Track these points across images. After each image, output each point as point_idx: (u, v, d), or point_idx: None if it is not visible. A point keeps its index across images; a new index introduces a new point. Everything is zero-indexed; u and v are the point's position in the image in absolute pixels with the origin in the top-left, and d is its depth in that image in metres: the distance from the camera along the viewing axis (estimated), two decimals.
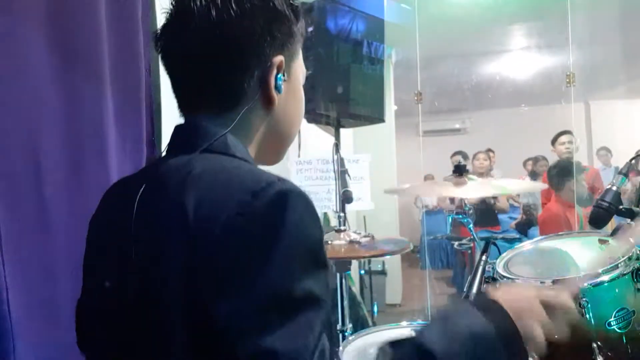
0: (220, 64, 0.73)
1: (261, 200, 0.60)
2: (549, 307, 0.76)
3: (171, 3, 0.76)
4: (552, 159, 4.44)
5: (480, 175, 4.52)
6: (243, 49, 0.72)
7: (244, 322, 0.57)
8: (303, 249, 0.60)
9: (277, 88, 0.76)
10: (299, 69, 0.82)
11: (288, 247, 0.59)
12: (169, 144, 0.78)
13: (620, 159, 5.75)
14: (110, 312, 0.72)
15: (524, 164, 6.08)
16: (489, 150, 5.36)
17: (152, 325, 0.64)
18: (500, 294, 0.75)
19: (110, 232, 0.76)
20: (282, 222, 0.60)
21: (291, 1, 0.77)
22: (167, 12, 0.76)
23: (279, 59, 0.75)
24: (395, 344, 0.69)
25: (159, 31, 0.77)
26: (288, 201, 0.61)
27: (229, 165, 0.69)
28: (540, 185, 2.94)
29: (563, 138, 4.16)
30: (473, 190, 1.52)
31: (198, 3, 0.72)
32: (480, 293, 0.76)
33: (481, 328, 0.69)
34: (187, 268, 0.61)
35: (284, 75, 0.76)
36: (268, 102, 0.76)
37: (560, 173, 3.56)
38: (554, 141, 4.24)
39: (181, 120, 0.80)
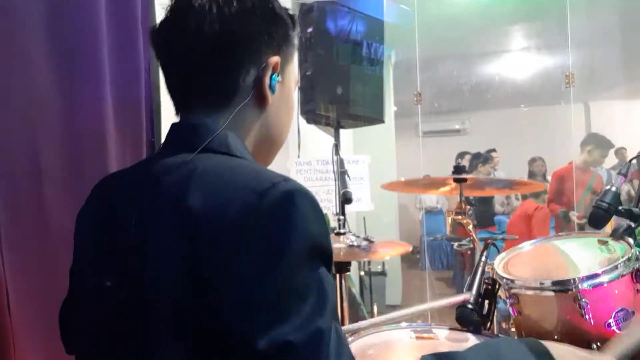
0: (217, 58, 0.74)
1: (267, 201, 0.61)
2: None
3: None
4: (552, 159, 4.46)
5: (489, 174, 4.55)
6: (240, 45, 0.74)
7: (257, 320, 0.58)
8: (310, 246, 0.62)
9: (271, 87, 0.77)
10: (292, 76, 0.83)
11: (296, 246, 0.60)
12: (165, 142, 0.78)
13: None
14: (104, 311, 0.71)
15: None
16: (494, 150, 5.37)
17: (149, 325, 0.64)
18: (552, 346, 0.79)
19: (103, 229, 0.74)
20: (289, 222, 0.61)
21: (287, 10, 0.80)
22: (166, 8, 0.76)
23: (275, 59, 0.76)
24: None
25: (156, 26, 0.78)
26: (294, 201, 0.62)
27: (231, 165, 0.69)
28: (538, 185, 2.93)
29: None
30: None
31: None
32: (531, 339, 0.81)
33: None
34: (189, 268, 0.61)
35: (278, 76, 0.77)
36: (262, 100, 0.77)
37: None
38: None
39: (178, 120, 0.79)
